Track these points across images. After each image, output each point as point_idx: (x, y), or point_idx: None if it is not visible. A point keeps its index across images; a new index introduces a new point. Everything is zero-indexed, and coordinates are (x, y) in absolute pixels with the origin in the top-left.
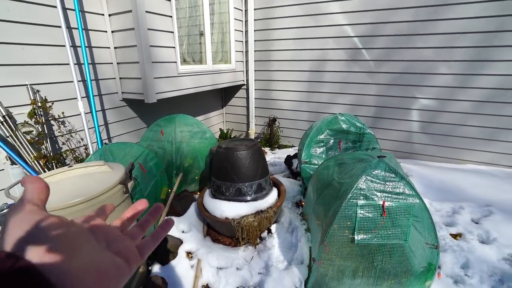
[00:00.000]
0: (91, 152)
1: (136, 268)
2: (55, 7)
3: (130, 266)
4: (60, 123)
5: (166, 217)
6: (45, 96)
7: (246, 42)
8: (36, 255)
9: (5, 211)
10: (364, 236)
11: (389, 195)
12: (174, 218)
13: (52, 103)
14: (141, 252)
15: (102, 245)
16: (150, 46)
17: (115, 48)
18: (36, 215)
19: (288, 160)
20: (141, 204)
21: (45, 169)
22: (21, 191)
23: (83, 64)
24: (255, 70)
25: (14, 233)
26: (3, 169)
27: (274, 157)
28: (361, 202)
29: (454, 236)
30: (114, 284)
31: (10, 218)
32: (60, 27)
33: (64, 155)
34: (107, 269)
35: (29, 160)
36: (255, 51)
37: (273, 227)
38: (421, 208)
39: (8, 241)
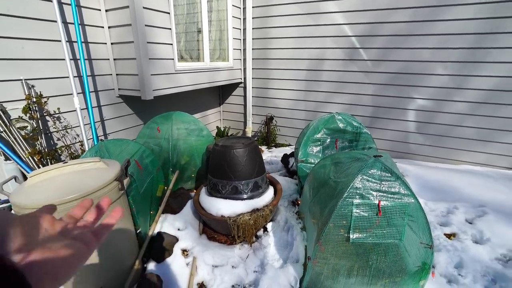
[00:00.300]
0: (87, 149)
1: (94, 248)
2: (51, 1)
3: (88, 247)
4: (55, 119)
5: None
6: (40, 91)
7: (244, 40)
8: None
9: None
10: (360, 235)
11: (384, 194)
12: (170, 216)
13: (48, 99)
14: (96, 236)
15: (56, 234)
16: (147, 42)
17: (111, 44)
18: None
19: (285, 158)
20: (105, 202)
21: (40, 165)
22: (24, 202)
23: (79, 59)
24: (252, 68)
25: None
26: None
27: (270, 155)
28: (356, 201)
29: (448, 236)
30: (78, 263)
31: None
32: (55, 21)
33: (59, 151)
34: (68, 252)
35: (23, 156)
36: (253, 49)
37: (269, 226)
38: (416, 207)
39: None
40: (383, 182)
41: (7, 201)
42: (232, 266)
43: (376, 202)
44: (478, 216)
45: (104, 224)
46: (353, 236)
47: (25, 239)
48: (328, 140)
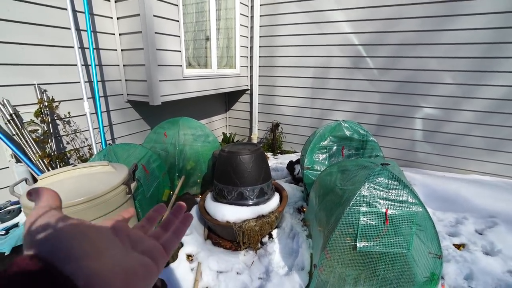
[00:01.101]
0: (95, 152)
1: (163, 266)
2: (66, 9)
3: (157, 264)
4: (65, 122)
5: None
6: (52, 96)
7: (251, 47)
8: (61, 258)
9: (9, 208)
10: (366, 244)
11: (392, 203)
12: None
13: (59, 103)
14: (166, 249)
15: (128, 246)
16: (157, 49)
17: (122, 50)
18: (58, 218)
19: (291, 165)
20: (129, 212)
21: (49, 168)
22: (33, 203)
23: (90, 65)
24: (259, 76)
25: (37, 236)
26: (8, 167)
27: (276, 162)
28: (363, 209)
29: (458, 246)
30: (143, 284)
31: (32, 222)
32: (69, 28)
33: (68, 154)
34: (135, 270)
35: (33, 159)
36: (259, 56)
37: (274, 232)
38: (424, 216)
39: (31, 243)
40: (390, 191)
41: (17, 203)
42: (237, 273)
43: (384, 210)
44: (488, 227)
45: (176, 234)
46: (360, 244)
47: (94, 256)
48: (335, 147)
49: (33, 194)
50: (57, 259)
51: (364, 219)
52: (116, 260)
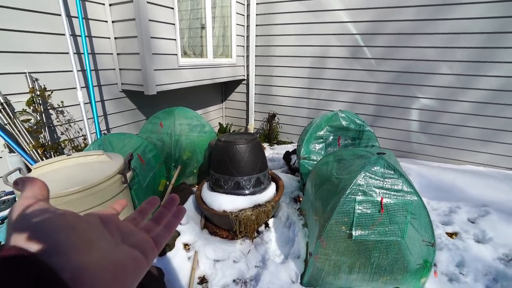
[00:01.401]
0: (90, 143)
1: (153, 260)
2: None
3: (147, 258)
4: (59, 112)
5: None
6: (44, 85)
7: (247, 36)
8: (47, 251)
9: (3, 198)
10: (362, 232)
11: (387, 191)
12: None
13: (51, 92)
14: (156, 243)
15: (117, 239)
16: (151, 37)
17: (115, 38)
18: (44, 209)
19: (287, 156)
20: (122, 203)
21: (43, 158)
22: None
23: (82, 53)
24: (255, 65)
25: (22, 228)
26: (1, 157)
27: (272, 152)
28: (359, 198)
29: (450, 235)
30: (132, 278)
31: (17, 213)
32: (60, 15)
33: (63, 144)
34: (124, 263)
35: (27, 149)
36: (256, 46)
37: (271, 222)
38: (419, 205)
39: (15, 236)
40: (386, 180)
41: (12, 193)
42: (234, 261)
43: (379, 199)
44: (481, 215)
45: (167, 228)
46: (355, 233)
47: (82, 249)
48: (331, 137)
49: (19, 184)
50: (43, 252)
51: (360, 207)
52: (105, 253)
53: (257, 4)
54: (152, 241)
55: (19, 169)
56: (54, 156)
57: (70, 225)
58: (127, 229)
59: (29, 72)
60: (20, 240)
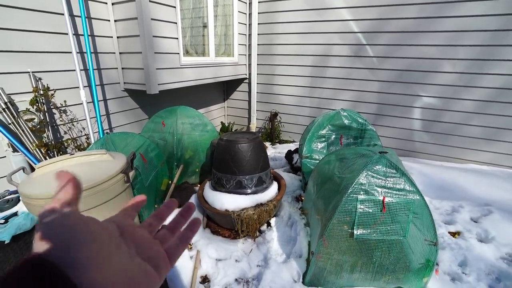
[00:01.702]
0: (93, 142)
1: (165, 276)
2: None
3: (160, 274)
4: (62, 111)
5: (192, 217)
6: (47, 84)
7: (250, 35)
8: (67, 263)
9: (7, 197)
10: (364, 231)
11: (389, 190)
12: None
13: (54, 91)
14: (170, 257)
15: (132, 251)
16: (153, 36)
17: (117, 37)
18: (69, 215)
19: (289, 155)
20: (141, 197)
21: (47, 157)
22: (54, 189)
23: (85, 53)
24: (257, 64)
25: (46, 236)
26: (4, 156)
27: (274, 151)
28: (361, 197)
29: (453, 234)
30: None
31: (44, 218)
32: (63, 14)
33: (66, 144)
34: (137, 279)
35: (30, 148)
36: (258, 44)
37: (273, 221)
38: (421, 204)
39: (39, 245)
40: (388, 179)
41: (15, 192)
42: (236, 260)
43: (381, 198)
44: (484, 215)
45: (182, 241)
46: (357, 232)
47: (100, 264)
48: (333, 136)
49: (60, 179)
50: (64, 264)
51: (362, 206)
52: (120, 268)
53: (259, 2)
54: (166, 254)
55: (23, 168)
56: (57, 156)
57: (92, 237)
58: (142, 239)
59: (32, 72)
60: (45, 249)
